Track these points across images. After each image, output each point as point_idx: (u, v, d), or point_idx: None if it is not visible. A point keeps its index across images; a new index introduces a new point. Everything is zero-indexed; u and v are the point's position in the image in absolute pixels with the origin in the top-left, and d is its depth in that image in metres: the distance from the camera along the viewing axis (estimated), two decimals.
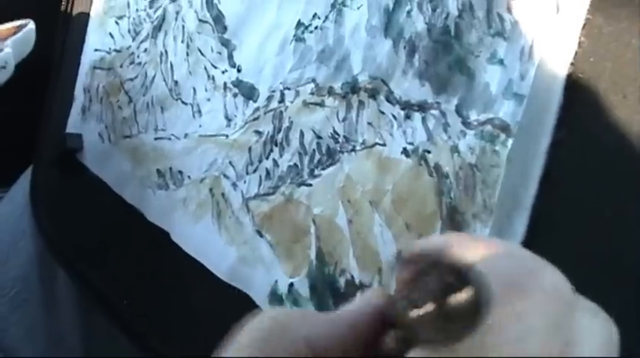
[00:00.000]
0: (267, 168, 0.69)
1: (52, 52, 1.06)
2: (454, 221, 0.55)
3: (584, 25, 0.50)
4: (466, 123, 0.55)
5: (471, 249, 0.31)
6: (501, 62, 0.53)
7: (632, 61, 0.48)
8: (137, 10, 0.91)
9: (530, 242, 0.52)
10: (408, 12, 0.60)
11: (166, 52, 0.84)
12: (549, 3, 0.51)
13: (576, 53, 0.50)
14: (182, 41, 0.82)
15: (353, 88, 0.63)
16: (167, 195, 0.80)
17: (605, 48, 0.49)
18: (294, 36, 0.69)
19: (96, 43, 0.97)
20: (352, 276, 0.61)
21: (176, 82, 0.82)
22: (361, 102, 0.62)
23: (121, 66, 0.92)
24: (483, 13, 0.55)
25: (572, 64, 0.50)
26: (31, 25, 0.91)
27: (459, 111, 0.55)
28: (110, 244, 0.92)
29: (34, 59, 1.03)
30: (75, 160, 0.97)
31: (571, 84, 0.50)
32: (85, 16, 1.01)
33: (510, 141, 0.52)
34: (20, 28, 0.91)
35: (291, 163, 0.67)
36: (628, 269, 0.48)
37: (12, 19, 0.95)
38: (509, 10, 0.53)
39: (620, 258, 0.48)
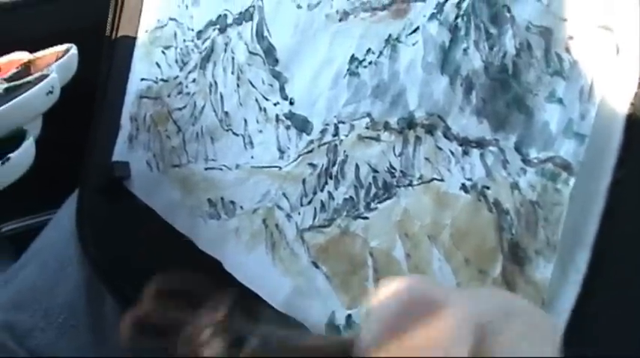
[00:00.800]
0: (322, 201, 0.70)
1: (98, 80, 1.08)
2: (516, 256, 0.56)
3: None
4: (526, 161, 0.56)
5: None
6: (560, 101, 0.54)
7: None
8: (184, 40, 0.92)
9: (592, 278, 0.53)
10: (465, 49, 0.61)
11: (216, 82, 0.86)
12: (609, 44, 0.52)
13: (636, 94, 0.51)
14: (232, 72, 0.83)
15: (409, 123, 0.64)
16: (219, 225, 0.81)
17: None
18: (348, 70, 0.70)
19: (142, 72, 0.99)
20: None
21: (226, 113, 0.83)
22: (418, 138, 0.63)
23: (169, 95, 0.93)
24: (541, 52, 0.56)
25: (632, 104, 0.51)
26: (74, 49, 0.93)
27: (518, 148, 0.56)
28: (159, 271, 0.93)
29: (80, 85, 1.04)
30: (122, 188, 0.98)
31: (631, 123, 0.51)
32: (130, 45, 1.02)
33: (573, 180, 0.53)
34: (64, 53, 0.93)
35: (347, 196, 0.68)
36: None
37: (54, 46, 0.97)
38: (567, 50, 0.55)
39: None
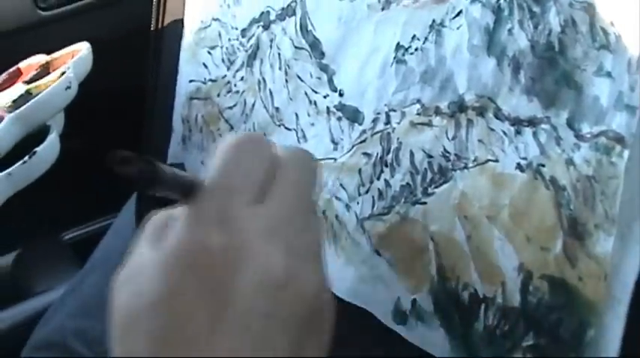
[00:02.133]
0: (379, 189, 0.71)
1: (146, 85, 1.10)
2: (576, 231, 0.56)
3: None
4: (579, 136, 0.56)
5: None
6: (609, 75, 0.55)
7: None
8: (229, 39, 0.93)
9: None
10: (510, 30, 0.61)
11: (264, 79, 0.87)
12: None
13: None
14: (279, 68, 0.84)
15: (460, 106, 0.65)
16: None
17: None
18: (395, 58, 0.71)
19: (190, 74, 1.01)
20: (475, 290, 0.63)
21: (277, 109, 0.84)
22: (470, 121, 0.64)
23: (219, 95, 0.95)
24: (586, 27, 0.56)
25: None
26: (87, 47, 0.99)
27: (570, 124, 0.57)
28: None
29: (131, 92, 1.07)
30: None
31: None
32: (176, 48, 1.04)
33: (627, 152, 0.53)
34: (77, 51, 0.97)
35: (404, 183, 0.69)
36: None
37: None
38: (612, 23, 0.55)
39: None
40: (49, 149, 0.88)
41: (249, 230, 0.48)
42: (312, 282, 0.48)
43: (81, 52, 0.97)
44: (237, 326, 0.45)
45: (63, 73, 0.93)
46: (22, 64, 1.04)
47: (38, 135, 0.89)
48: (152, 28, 1.10)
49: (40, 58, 1.03)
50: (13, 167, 0.85)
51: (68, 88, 0.91)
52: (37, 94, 0.90)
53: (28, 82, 0.96)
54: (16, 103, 0.90)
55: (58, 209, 1.41)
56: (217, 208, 0.48)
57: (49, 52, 1.05)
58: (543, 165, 0.59)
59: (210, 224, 0.47)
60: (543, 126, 0.59)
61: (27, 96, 0.91)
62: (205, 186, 0.49)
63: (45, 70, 0.99)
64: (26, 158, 0.85)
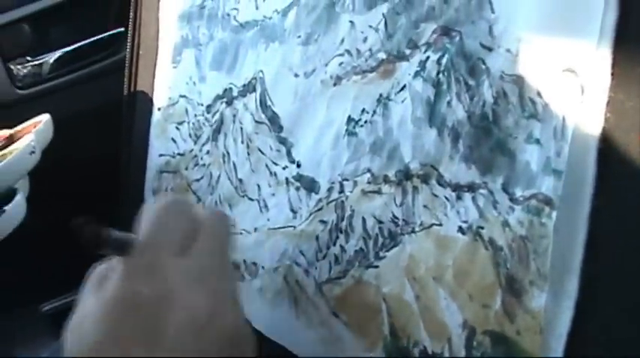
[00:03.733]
0: (335, 254, 0.75)
1: (119, 159, 1.14)
2: (513, 288, 0.60)
3: (608, 102, 0.56)
4: (513, 200, 0.60)
5: None
6: (538, 142, 0.59)
7: None
8: (195, 115, 0.98)
9: (583, 302, 0.57)
10: (449, 102, 0.66)
11: (228, 153, 0.91)
12: (574, 85, 0.57)
13: (603, 128, 0.56)
14: (242, 142, 0.89)
15: (406, 175, 0.69)
16: (245, 286, 0.86)
17: (629, 121, 0.55)
18: (347, 130, 0.75)
19: (160, 148, 1.05)
20: (425, 347, 0.67)
21: (240, 180, 0.88)
22: (415, 188, 0.68)
23: (187, 168, 0.99)
24: (516, 98, 0.61)
25: (600, 138, 0.56)
26: (48, 117, 1.05)
27: (505, 188, 0.61)
28: None
29: (103, 166, 1.11)
30: None
31: (602, 156, 0.56)
32: (146, 123, 1.08)
33: (555, 213, 0.57)
34: (39, 122, 1.02)
35: (357, 248, 0.73)
36: None
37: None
38: (539, 94, 0.59)
39: None
40: (17, 208, 0.93)
41: (174, 279, 0.56)
42: (232, 320, 0.57)
43: (41, 122, 1.03)
44: None
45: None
46: None
47: (5, 197, 0.94)
48: (124, 105, 1.14)
49: (4, 132, 1.08)
50: None
51: (32, 153, 0.96)
52: (2, 161, 0.96)
53: None
54: None
55: (36, 280, 1.44)
56: (147, 261, 0.56)
57: None
58: (482, 228, 0.62)
59: (141, 275, 0.56)
60: (481, 191, 0.63)
61: None
62: (137, 243, 0.58)
63: (10, 142, 1.04)
64: None
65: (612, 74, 0.56)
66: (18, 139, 1.03)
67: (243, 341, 0.58)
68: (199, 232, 0.60)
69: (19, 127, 1.07)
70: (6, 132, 1.07)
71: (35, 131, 1.01)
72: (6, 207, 0.92)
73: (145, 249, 0.58)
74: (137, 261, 0.57)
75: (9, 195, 0.95)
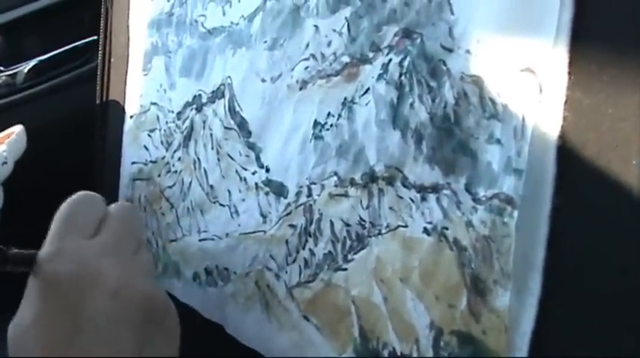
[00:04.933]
0: (305, 258, 0.75)
1: (93, 168, 1.14)
2: (478, 288, 0.60)
3: (566, 101, 0.56)
4: (476, 200, 0.61)
5: None
6: (499, 141, 0.59)
7: (610, 129, 0.54)
8: (167, 122, 0.98)
9: (546, 299, 0.57)
10: (411, 104, 0.66)
11: (199, 159, 0.91)
12: (533, 85, 0.57)
13: (562, 127, 0.56)
14: (212, 148, 0.89)
15: (372, 177, 0.69)
16: (217, 291, 0.86)
17: (587, 119, 0.55)
18: (313, 134, 0.75)
19: (132, 156, 1.05)
20: (394, 348, 0.67)
21: (212, 186, 0.89)
22: (381, 190, 0.68)
23: (159, 175, 0.99)
24: (477, 99, 0.61)
25: (559, 136, 0.56)
26: (21, 128, 1.06)
27: (468, 189, 0.61)
28: None
29: (78, 174, 1.11)
30: None
31: (561, 155, 0.56)
32: (119, 132, 1.08)
33: (516, 212, 0.58)
34: (12, 133, 1.03)
35: (326, 251, 0.73)
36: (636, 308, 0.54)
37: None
38: (498, 94, 0.60)
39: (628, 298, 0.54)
40: None
41: (87, 255, 0.60)
42: (142, 288, 0.61)
43: (14, 133, 1.03)
44: (89, 334, 0.57)
45: None
46: None
47: None
48: (97, 114, 1.14)
49: None
50: None
51: (4, 163, 0.97)
52: None
53: None
54: None
55: (12, 288, 1.43)
56: (59, 246, 0.60)
57: None
58: (447, 228, 0.63)
59: (56, 258, 0.59)
60: (445, 191, 0.63)
61: None
62: (48, 237, 0.62)
63: None
64: None
65: (569, 73, 0.56)
66: None
67: (159, 307, 0.62)
68: (107, 217, 0.66)
69: None
70: None
71: (7, 142, 1.01)
72: None
73: (56, 237, 0.62)
74: (50, 248, 0.60)
75: None
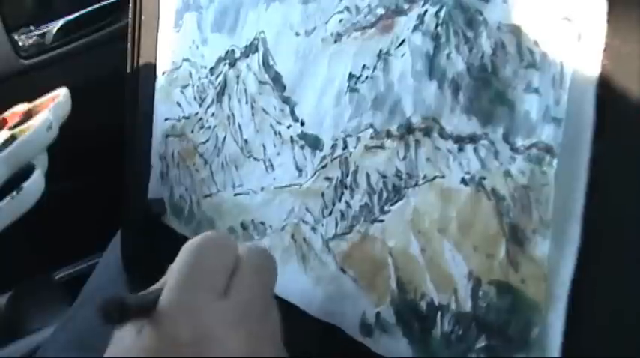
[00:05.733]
0: (341, 210, 0.76)
1: (124, 126, 1.14)
2: (516, 238, 0.61)
3: (605, 49, 0.56)
4: (514, 149, 0.61)
5: None
6: (537, 91, 0.59)
7: None
8: (199, 78, 0.98)
9: (586, 248, 0.58)
10: (448, 55, 0.66)
11: (233, 114, 0.91)
12: (571, 33, 0.57)
13: (601, 75, 0.56)
14: (246, 102, 0.89)
15: (408, 128, 0.69)
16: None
17: (625, 67, 0.55)
18: (348, 87, 0.75)
19: (165, 112, 1.05)
20: (432, 299, 0.67)
21: (246, 141, 0.89)
22: (417, 141, 0.68)
23: (192, 131, 0.99)
24: (514, 48, 0.61)
25: (598, 85, 0.56)
26: (66, 91, 1.05)
27: (506, 138, 0.62)
28: None
29: (111, 133, 1.11)
30: (161, 224, 1.05)
31: (600, 103, 0.56)
32: (150, 89, 1.08)
33: (555, 161, 0.58)
34: (57, 96, 1.02)
35: (362, 203, 0.74)
36: None
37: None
38: (536, 43, 0.60)
39: None
40: (35, 185, 0.93)
41: (212, 321, 0.54)
42: None
43: (60, 96, 1.02)
44: None
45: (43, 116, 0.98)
46: (6, 114, 1.09)
47: (24, 173, 0.94)
48: (128, 72, 1.14)
49: (23, 107, 1.08)
50: (3, 202, 0.89)
51: (49, 128, 0.96)
52: (20, 137, 0.95)
53: (13, 128, 1.01)
54: (2, 147, 0.95)
55: (48, 249, 1.45)
56: (183, 304, 0.54)
57: (32, 98, 1.09)
58: (485, 178, 0.63)
59: (179, 319, 0.53)
60: (482, 141, 0.63)
61: (12, 139, 0.96)
62: (172, 285, 0.56)
63: (28, 117, 1.04)
64: (14, 193, 0.90)
65: (608, 21, 0.56)
66: (36, 114, 1.03)
67: None
68: (239, 272, 0.58)
69: (37, 102, 1.07)
70: (24, 107, 1.07)
71: (53, 106, 1.01)
72: (24, 184, 0.92)
73: (182, 288, 0.55)
74: (173, 304, 0.54)
75: (27, 170, 0.95)
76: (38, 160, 0.97)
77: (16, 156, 0.94)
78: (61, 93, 1.04)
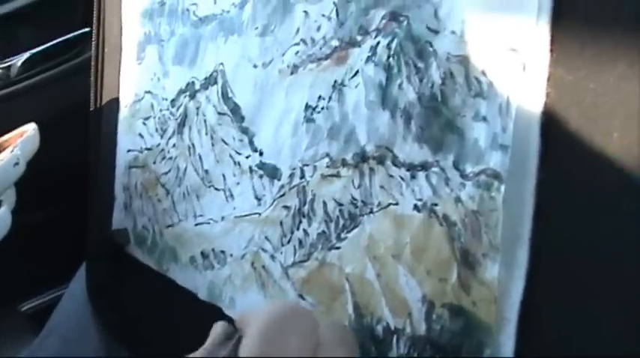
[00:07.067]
0: (299, 238, 0.77)
1: (88, 157, 1.15)
2: (468, 262, 0.62)
3: (549, 77, 0.58)
4: (464, 176, 0.63)
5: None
6: (484, 119, 0.61)
7: (592, 105, 0.56)
8: (161, 109, 1.00)
9: (533, 270, 0.59)
10: (400, 85, 0.68)
11: (193, 145, 0.93)
12: (516, 63, 0.59)
13: (545, 103, 0.58)
14: (206, 133, 0.91)
15: (362, 157, 0.71)
16: (214, 274, 0.88)
17: (568, 95, 0.57)
18: (305, 117, 0.77)
19: (127, 144, 1.07)
20: (387, 323, 0.69)
21: (206, 171, 0.90)
22: (372, 169, 0.70)
23: (154, 162, 1.01)
24: (463, 78, 0.63)
25: (543, 112, 0.58)
26: (34, 126, 1.03)
27: (456, 166, 0.63)
28: (172, 325, 1.00)
29: (75, 165, 1.12)
30: (124, 253, 1.06)
31: (545, 130, 0.58)
32: (114, 121, 1.10)
33: (503, 187, 0.59)
34: (25, 132, 1.02)
35: (320, 231, 0.75)
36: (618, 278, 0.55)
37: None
38: (484, 73, 0.61)
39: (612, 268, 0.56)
40: (1, 221, 0.92)
41: None
42: None
43: (28, 132, 1.02)
44: None
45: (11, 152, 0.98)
46: None
47: None
48: (91, 104, 1.15)
49: None
50: None
51: (16, 164, 0.96)
52: None
53: None
54: None
55: (14, 281, 1.45)
56: None
57: None
58: (436, 205, 0.65)
59: None
60: (434, 169, 0.65)
61: None
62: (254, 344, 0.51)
63: None
64: None
65: (551, 50, 0.58)
66: (3, 149, 1.03)
67: None
68: (320, 351, 0.53)
69: (5, 137, 1.07)
70: None
71: (21, 141, 1.00)
72: None
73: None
74: None
75: None
76: (5, 196, 0.97)
77: None
78: (30, 129, 1.03)
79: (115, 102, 1.10)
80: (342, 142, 0.73)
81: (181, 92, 0.95)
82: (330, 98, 0.74)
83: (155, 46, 1.01)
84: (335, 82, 0.74)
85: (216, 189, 0.89)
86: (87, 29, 1.46)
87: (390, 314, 0.69)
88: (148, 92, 1.02)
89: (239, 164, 0.85)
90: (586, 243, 0.57)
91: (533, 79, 0.58)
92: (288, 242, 0.78)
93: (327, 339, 0.53)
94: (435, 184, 0.65)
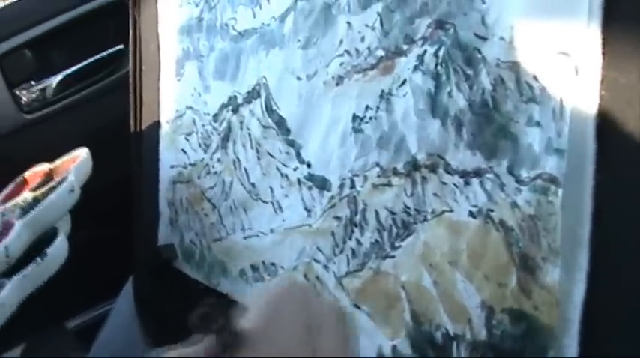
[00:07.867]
0: (352, 248, 0.78)
1: (130, 174, 1.16)
2: (527, 266, 0.62)
3: (602, 80, 0.58)
4: (519, 181, 0.63)
5: None
6: (538, 124, 0.61)
7: None
8: (203, 124, 1.00)
9: (594, 272, 0.59)
10: (449, 92, 0.68)
11: (238, 159, 0.94)
12: (568, 67, 0.59)
13: (599, 105, 0.58)
14: (251, 147, 0.91)
15: (414, 166, 0.71)
16: (264, 287, 0.89)
17: (623, 97, 0.57)
18: (353, 128, 0.78)
19: (170, 160, 1.07)
20: (447, 329, 0.69)
21: (253, 185, 0.91)
22: (424, 178, 0.70)
23: (199, 177, 1.01)
24: (513, 83, 0.63)
25: (597, 115, 0.58)
26: (86, 151, 1.04)
27: (510, 171, 0.64)
28: None
29: (117, 182, 1.13)
30: (173, 269, 1.06)
31: (600, 133, 0.58)
32: (155, 137, 1.11)
33: (560, 191, 0.60)
34: (78, 156, 1.01)
35: (373, 240, 0.76)
36: None
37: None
38: (535, 78, 0.62)
39: None
40: (58, 250, 0.92)
41: None
42: None
43: (80, 157, 1.02)
44: None
45: (65, 178, 0.98)
46: (27, 174, 1.08)
47: (46, 236, 0.94)
48: (132, 121, 1.16)
49: (43, 167, 1.07)
50: (27, 269, 0.89)
51: (72, 191, 0.96)
52: (43, 200, 0.95)
53: (34, 190, 1.01)
54: (25, 210, 0.95)
55: (60, 298, 1.46)
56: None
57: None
58: (492, 210, 0.65)
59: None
60: (488, 175, 0.65)
61: (34, 203, 0.95)
62: (247, 338, 0.53)
63: (49, 177, 1.04)
64: (38, 259, 0.90)
65: (603, 53, 0.58)
66: (57, 175, 1.03)
67: None
68: (321, 330, 0.55)
69: (57, 162, 1.06)
70: (44, 167, 1.07)
71: (75, 166, 1.01)
72: (48, 250, 0.92)
73: (262, 344, 0.53)
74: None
75: (50, 233, 0.95)
76: (61, 223, 0.97)
77: (40, 221, 0.93)
78: (82, 153, 1.03)
79: (156, 118, 1.11)
80: (393, 151, 0.73)
81: (224, 106, 0.96)
82: (377, 108, 0.75)
83: (194, 62, 1.02)
84: (382, 91, 0.74)
85: (263, 201, 0.89)
86: (121, 46, 1.47)
87: (449, 321, 0.69)
88: (189, 108, 1.03)
89: (286, 176, 0.86)
90: None
91: (586, 83, 0.59)
92: (341, 252, 0.79)
93: (326, 321, 0.56)
94: (489, 190, 0.65)
